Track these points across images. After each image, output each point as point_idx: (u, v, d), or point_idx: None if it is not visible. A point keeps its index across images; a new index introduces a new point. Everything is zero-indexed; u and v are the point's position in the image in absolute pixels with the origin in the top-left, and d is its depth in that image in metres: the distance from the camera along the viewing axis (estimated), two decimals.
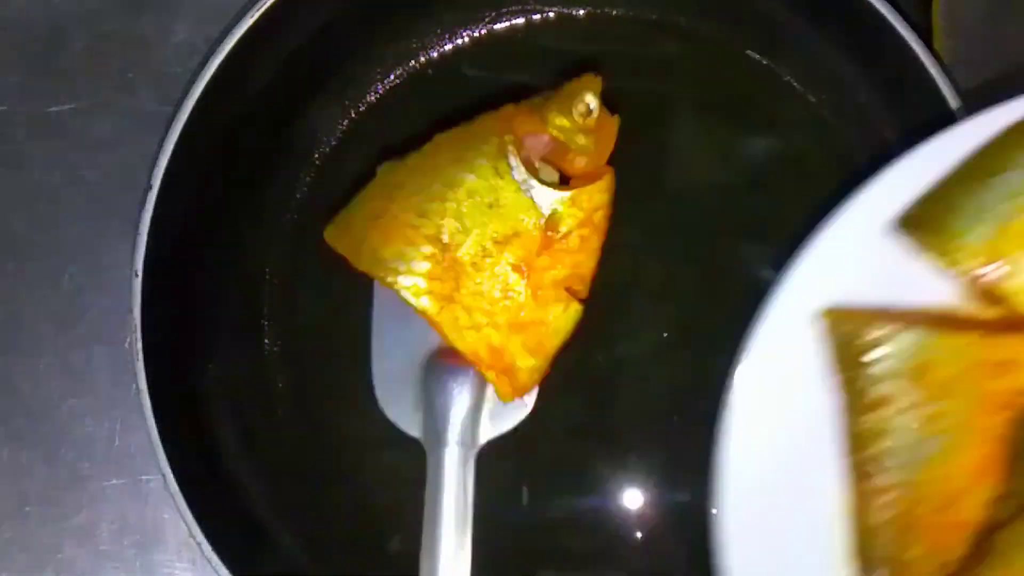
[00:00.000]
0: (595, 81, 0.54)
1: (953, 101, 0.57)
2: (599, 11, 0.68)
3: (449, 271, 0.51)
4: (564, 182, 0.54)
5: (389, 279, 0.52)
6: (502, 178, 0.52)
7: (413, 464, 0.65)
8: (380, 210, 0.53)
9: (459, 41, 0.68)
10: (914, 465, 0.46)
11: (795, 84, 0.67)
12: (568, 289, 0.53)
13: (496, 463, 0.64)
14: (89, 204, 0.69)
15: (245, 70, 0.61)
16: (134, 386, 0.58)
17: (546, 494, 0.64)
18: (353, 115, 0.68)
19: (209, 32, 0.70)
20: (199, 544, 0.57)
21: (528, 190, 0.52)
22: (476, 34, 0.69)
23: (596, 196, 0.53)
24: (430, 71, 0.68)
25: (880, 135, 0.64)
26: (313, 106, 0.68)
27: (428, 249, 0.51)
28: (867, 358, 0.47)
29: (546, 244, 0.52)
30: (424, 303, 0.52)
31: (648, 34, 0.68)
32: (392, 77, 0.69)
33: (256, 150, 0.65)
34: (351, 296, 0.66)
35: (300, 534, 0.64)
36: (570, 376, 0.64)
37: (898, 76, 0.60)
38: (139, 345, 0.58)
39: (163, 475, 0.57)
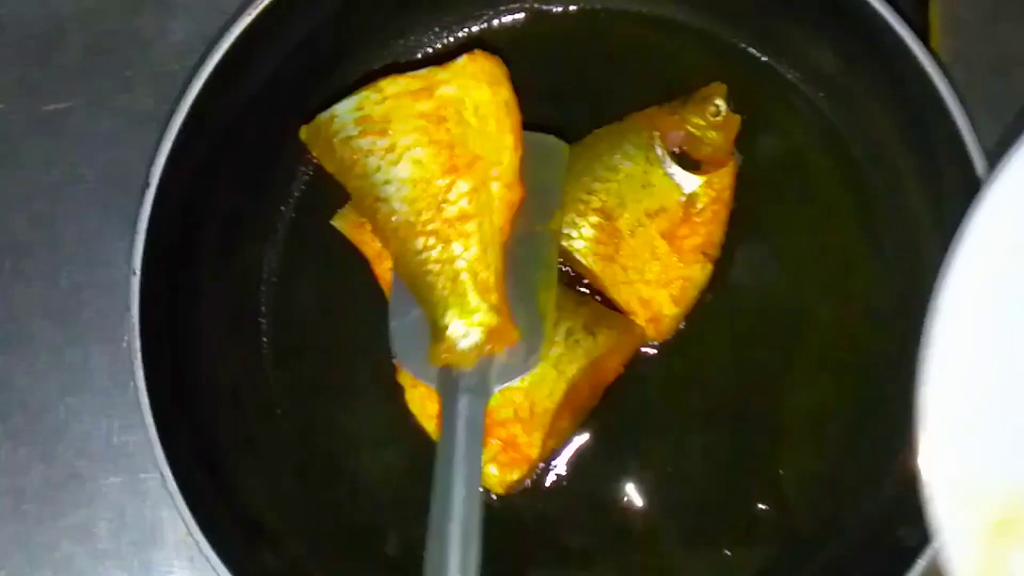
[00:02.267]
0: (722, 87, 0.63)
1: (950, 99, 0.57)
2: (597, 7, 0.68)
3: (611, 237, 0.62)
4: (696, 167, 0.64)
5: (564, 243, 0.62)
6: (652, 165, 0.63)
7: (412, 463, 0.65)
8: None
9: (458, 38, 0.68)
10: (399, 191, 0.58)
11: (794, 81, 0.67)
12: (703, 253, 0.63)
13: None
14: (87, 202, 0.69)
15: (243, 69, 0.61)
16: (132, 384, 0.58)
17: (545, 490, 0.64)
18: None
19: (207, 31, 0.70)
20: (197, 543, 0.57)
21: (672, 174, 0.63)
22: (474, 30, 0.68)
23: (725, 178, 0.63)
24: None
25: (878, 132, 0.64)
26: (312, 104, 0.67)
27: (595, 219, 0.62)
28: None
29: (686, 217, 0.63)
30: (591, 262, 0.62)
31: (646, 29, 0.68)
32: (391, 75, 0.69)
33: (254, 148, 0.65)
34: (349, 295, 0.67)
35: (298, 533, 0.64)
36: None
37: (895, 74, 0.60)
38: (137, 343, 0.58)
39: (161, 473, 0.57)
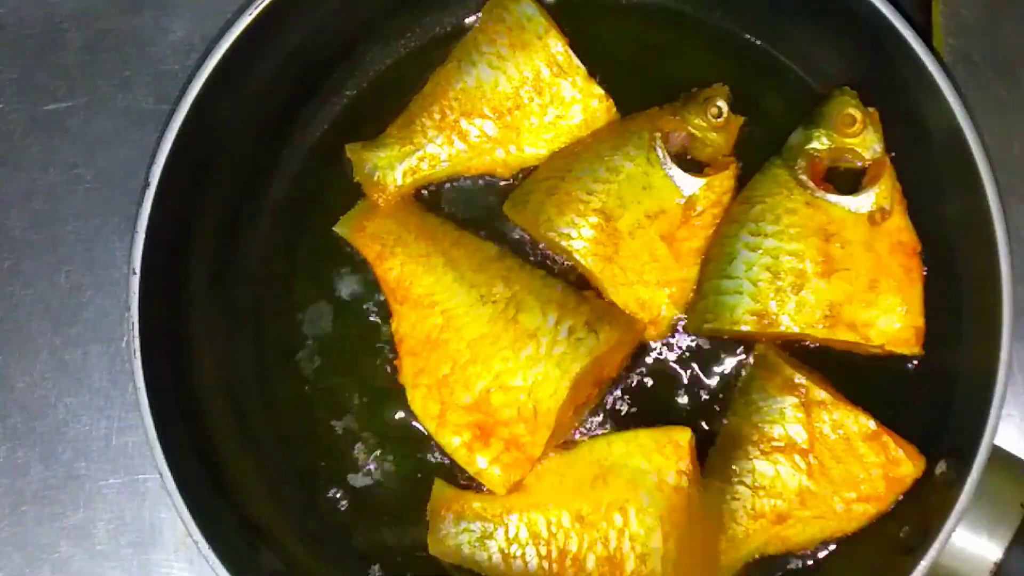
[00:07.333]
0: (724, 89, 0.64)
1: (952, 99, 0.57)
2: None
3: (610, 238, 0.63)
4: (696, 169, 0.64)
5: (563, 243, 0.62)
6: (653, 166, 0.63)
7: (412, 463, 0.65)
8: (554, 188, 0.64)
9: (457, 36, 0.68)
10: None
11: (797, 79, 0.67)
12: (702, 256, 0.63)
13: None
14: (86, 202, 0.69)
15: (242, 68, 0.61)
16: (131, 385, 0.58)
17: None
18: (350, 112, 0.68)
19: (207, 30, 0.70)
20: (196, 543, 0.57)
21: (673, 176, 0.63)
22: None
23: (725, 181, 0.64)
24: (426, 68, 0.68)
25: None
26: (311, 103, 0.68)
27: (594, 219, 0.63)
28: None
29: (685, 219, 0.63)
30: (590, 262, 0.62)
31: (646, 18, 0.68)
32: (390, 74, 0.69)
33: (254, 147, 0.65)
34: (349, 295, 0.66)
35: (298, 533, 0.64)
36: None
37: (898, 73, 0.60)
38: (136, 344, 0.58)
39: (160, 474, 0.57)
